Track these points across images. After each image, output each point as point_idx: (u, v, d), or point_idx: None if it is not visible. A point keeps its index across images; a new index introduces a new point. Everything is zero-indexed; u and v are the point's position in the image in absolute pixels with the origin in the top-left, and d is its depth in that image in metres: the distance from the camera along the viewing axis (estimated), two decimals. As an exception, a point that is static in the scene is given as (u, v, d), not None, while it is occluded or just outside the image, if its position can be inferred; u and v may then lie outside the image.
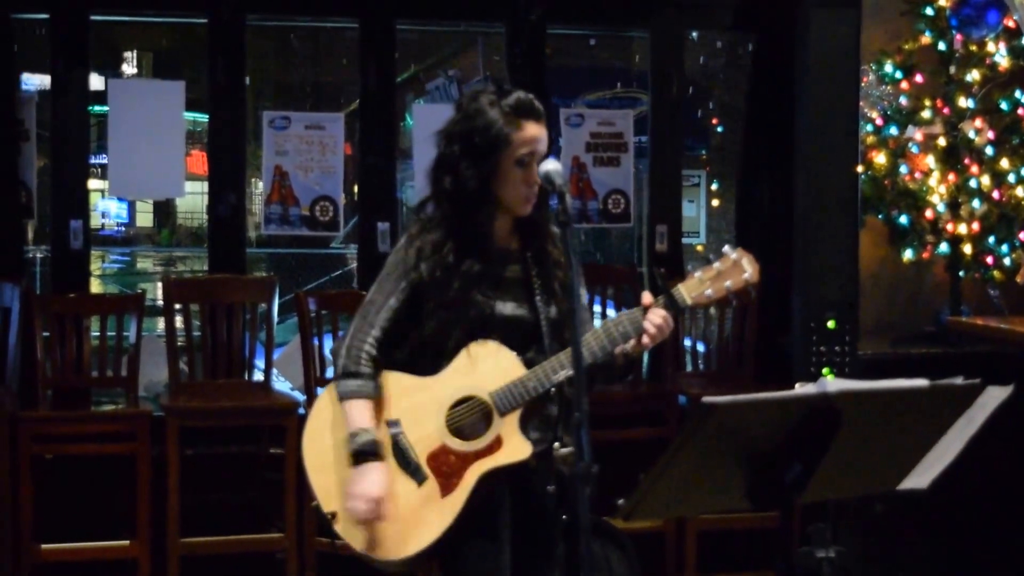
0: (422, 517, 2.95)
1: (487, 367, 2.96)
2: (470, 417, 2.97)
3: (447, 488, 2.94)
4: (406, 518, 2.95)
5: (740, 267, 2.98)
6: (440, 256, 3.01)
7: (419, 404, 3.00)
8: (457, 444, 2.95)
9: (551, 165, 2.84)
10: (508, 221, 3.07)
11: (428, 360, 3.03)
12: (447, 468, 2.95)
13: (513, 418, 2.94)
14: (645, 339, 2.94)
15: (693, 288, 2.97)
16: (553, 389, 2.95)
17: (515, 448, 2.93)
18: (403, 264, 3.06)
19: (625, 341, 2.96)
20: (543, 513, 2.88)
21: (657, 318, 2.93)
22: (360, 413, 3.00)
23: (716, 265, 2.97)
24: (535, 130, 2.97)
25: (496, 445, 2.94)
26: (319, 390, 5.16)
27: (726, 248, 3.01)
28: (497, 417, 2.94)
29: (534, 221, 3.07)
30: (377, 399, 3.02)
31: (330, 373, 5.32)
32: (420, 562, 3.00)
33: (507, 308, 3.02)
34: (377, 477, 2.93)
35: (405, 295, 3.05)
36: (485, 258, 3.03)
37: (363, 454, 2.95)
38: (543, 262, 3.06)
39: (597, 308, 5.34)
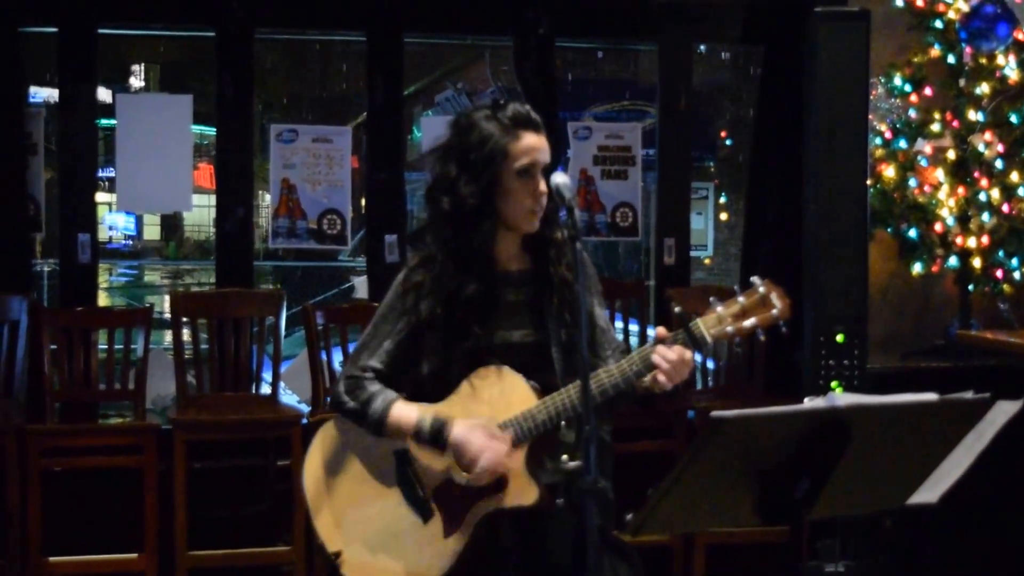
0: (423, 557, 2.86)
1: (494, 394, 2.84)
2: None
3: (450, 528, 2.84)
4: (408, 556, 2.87)
5: (768, 302, 2.80)
6: (440, 291, 2.88)
7: None
8: (463, 479, 2.84)
9: (560, 178, 2.73)
10: (515, 241, 2.95)
11: (430, 396, 2.91)
12: (452, 504, 2.85)
13: (520, 455, 2.80)
14: (661, 377, 2.76)
15: (713, 324, 2.79)
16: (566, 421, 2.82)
17: (520, 491, 2.80)
18: (401, 304, 2.94)
19: (639, 379, 2.80)
20: (553, 539, 2.84)
21: (671, 354, 2.75)
22: (406, 411, 2.87)
23: (740, 300, 2.80)
24: (534, 140, 2.86)
25: (501, 484, 2.82)
26: (327, 402, 5.16)
27: (754, 279, 2.83)
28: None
29: (545, 239, 2.93)
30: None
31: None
32: None
33: (512, 336, 2.90)
34: (464, 432, 2.80)
35: (403, 336, 2.93)
36: (487, 284, 2.89)
37: (438, 434, 2.82)
38: (555, 283, 2.91)
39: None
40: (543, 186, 2.84)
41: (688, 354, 2.77)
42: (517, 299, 2.94)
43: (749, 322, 2.78)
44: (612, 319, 5.35)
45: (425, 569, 2.86)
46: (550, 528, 2.85)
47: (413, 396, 2.93)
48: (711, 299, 2.79)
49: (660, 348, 2.77)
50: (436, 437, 2.82)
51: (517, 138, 2.85)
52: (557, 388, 2.84)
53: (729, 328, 2.78)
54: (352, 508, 2.96)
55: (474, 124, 2.88)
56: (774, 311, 2.80)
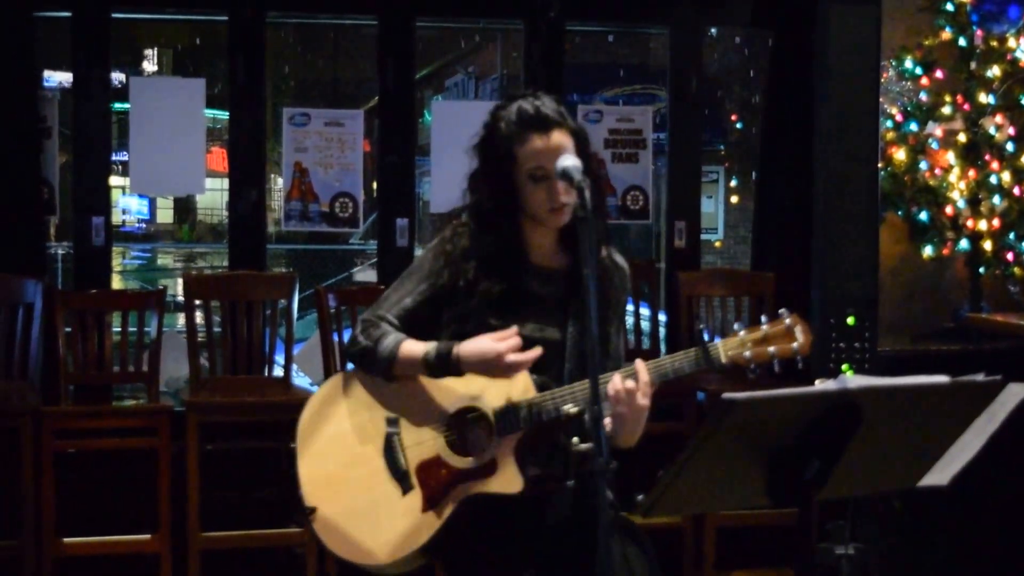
0: (398, 528, 2.83)
1: (496, 381, 2.82)
2: (473, 429, 2.86)
3: (430, 503, 2.82)
4: (382, 525, 2.85)
5: (791, 335, 2.77)
6: (465, 266, 2.89)
7: (422, 406, 2.89)
8: (451, 458, 2.84)
9: (569, 161, 2.70)
10: (549, 235, 2.93)
11: None
12: (435, 481, 2.83)
13: (511, 443, 2.79)
14: (619, 408, 2.72)
15: (733, 347, 2.75)
16: (564, 419, 2.78)
17: (506, 479, 2.78)
18: (428, 266, 2.95)
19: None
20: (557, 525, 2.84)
21: (617, 383, 2.71)
22: (417, 346, 2.85)
23: (764, 328, 2.76)
24: (540, 142, 2.81)
25: (490, 469, 2.80)
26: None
27: (782, 311, 2.79)
28: (496, 437, 2.80)
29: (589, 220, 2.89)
30: (382, 387, 2.92)
31: (350, 368, 5.34)
32: (394, 569, 2.88)
33: (526, 329, 2.84)
34: (473, 344, 2.78)
35: (423, 298, 2.94)
36: (515, 275, 2.89)
37: (447, 356, 2.81)
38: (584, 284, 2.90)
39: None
40: (556, 191, 2.80)
41: (640, 400, 2.72)
42: (544, 294, 2.92)
43: (769, 350, 2.75)
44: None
45: (398, 540, 2.83)
46: (558, 512, 2.85)
47: None
48: (735, 325, 2.78)
49: (615, 379, 2.73)
50: (445, 360, 2.81)
51: (524, 141, 2.83)
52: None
53: (747, 353, 2.75)
54: (337, 466, 2.94)
55: (494, 121, 2.89)
56: (795, 344, 2.76)
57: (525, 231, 2.92)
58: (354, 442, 2.95)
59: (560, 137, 2.84)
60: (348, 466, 2.94)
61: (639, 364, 2.74)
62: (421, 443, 2.87)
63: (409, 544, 2.83)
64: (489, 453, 2.80)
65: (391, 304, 2.96)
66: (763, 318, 2.79)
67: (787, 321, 2.78)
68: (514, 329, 2.79)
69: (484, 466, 2.80)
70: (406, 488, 2.86)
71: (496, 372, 2.78)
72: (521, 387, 2.81)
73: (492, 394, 2.82)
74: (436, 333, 2.93)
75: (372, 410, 2.95)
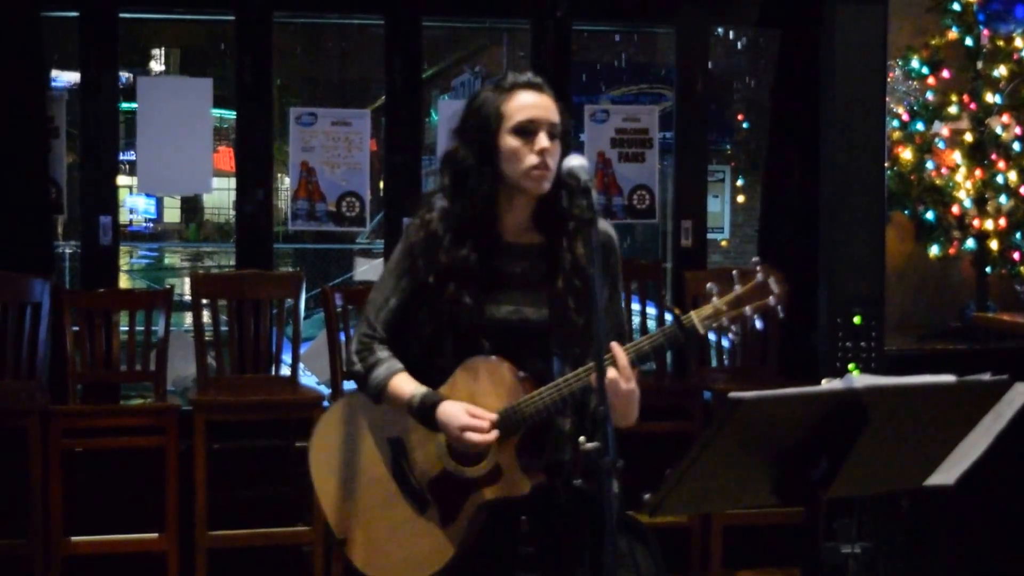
0: (423, 547, 2.84)
1: (484, 386, 2.78)
2: None
3: (447, 518, 2.83)
4: (407, 546, 2.86)
5: (765, 289, 2.66)
6: (437, 251, 2.82)
7: None
8: (457, 469, 2.81)
9: (575, 160, 2.67)
10: (524, 211, 2.84)
11: (435, 367, 2.86)
12: (448, 495, 2.83)
13: (510, 446, 2.76)
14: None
15: (707, 315, 2.67)
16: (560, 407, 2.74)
17: (512, 482, 2.77)
18: (405, 259, 2.89)
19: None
20: (566, 520, 2.83)
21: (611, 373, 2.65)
22: (404, 386, 2.83)
23: (737, 289, 2.67)
24: (530, 97, 2.77)
25: (495, 475, 2.78)
26: (346, 384, 5.19)
27: (754, 261, 2.69)
28: (495, 444, 2.76)
29: (558, 213, 2.82)
30: (384, 407, 2.91)
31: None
32: None
33: (501, 311, 2.81)
34: (452, 409, 2.75)
35: (406, 293, 2.88)
36: (487, 253, 2.82)
37: (426, 409, 2.78)
38: (566, 261, 2.81)
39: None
40: (545, 142, 2.75)
41: (624, 386, 2.66)
42: (521, 272, 2.84)
43: (745, 311, 2.66)
44: (628, 301, 5.35)
45: (425, 559, 2.84)
46: (565, 512, 2.84)
47: (422, 362, 2.88)
48: (708, 285, 2.69)
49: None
50: (425, 414, 2.79)
51: (511, 98, 2.78)
52: (547, 373, 2.79)
53: (724, 319, 2.66)
54: (357, 492, 2.95)
55: (475, 96, 2.87)
56: (770, 299, 2.66)
57: (499, 204, 2.83)
58: (367, 466, 2.95)
59: (548, 98, 2.81)
60: (366, 492, 2.95)
61: (616, 348, 2.67)
62: (428, 459, 2.86)
63: (435, 562, 2.84)
64: (492, 459, 2.78)
65: (378, 308, 2.92)
66: (734, 274, 2.68)
67: (759, 276, 2.66)
68: (491, 416, 2.75)
69: (490, 473, 2.79)
70: (423, 506, 2.86)
71: (456, 441, 2.77)
72: (506, 386, 2.77)
73: (486, 401, 2.77)
74: (421, 325, 2.88)
75: (378, 431, 2.95)
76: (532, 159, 2.74)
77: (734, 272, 2.67)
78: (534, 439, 2.80)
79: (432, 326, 2.85)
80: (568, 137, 2.84)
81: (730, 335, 2.70)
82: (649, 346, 2.72)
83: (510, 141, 2.76)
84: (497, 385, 2.77)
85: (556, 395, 2.72)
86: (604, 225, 2.86)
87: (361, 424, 2.98)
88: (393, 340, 2.91)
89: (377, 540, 2.93)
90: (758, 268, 2.68)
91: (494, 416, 2.74)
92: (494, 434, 2.74)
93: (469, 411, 2.75)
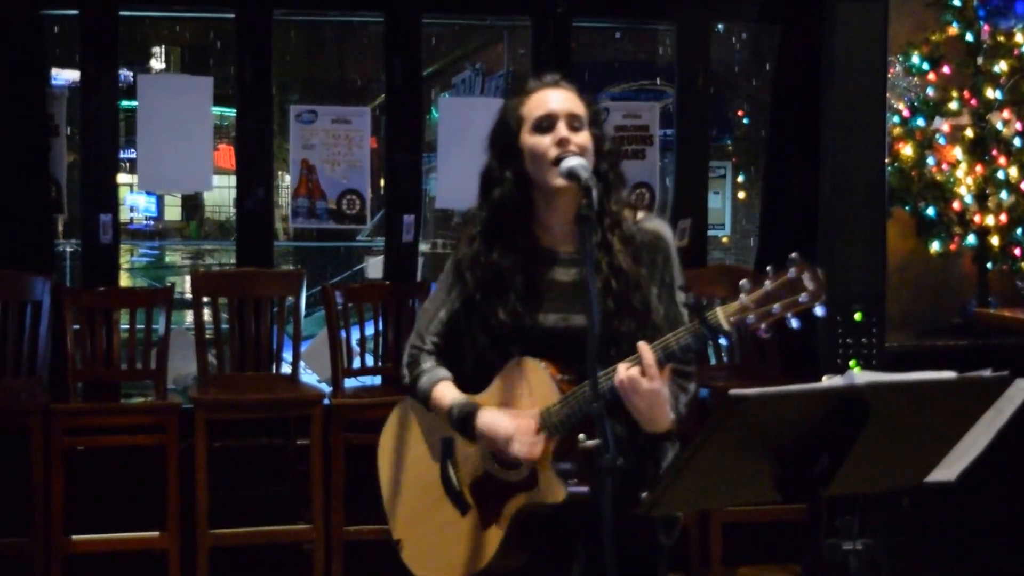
0: (463, 550, 2.84)
1: (523, 390, 2.76)
2: None
3: (487, 521, 2.82)
4: (450, 549, 2.87)
5: (799, 286, 2.49)
6: (480, 264, 2.83)
7: None
8: (499, 472, 2.80)
9: (573, 160, 2.67)
10: (561, 218, 2.81)
11: (489, 380, 2.85)
12: (488, 498, 2.82)
13: (547, 451, 2.71)
14: (628, 396, 2.62)
15: (733, 312, 2.54)
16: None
17: (548, 488, 2.71)
18: (452, 272, 2.92)
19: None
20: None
21: (621, 372, 2.61)
22: (445, 395, 2.86)
23: (767, 286, 2.51)
24: (547, 95, 2.80)
25: (532, 480, 2.74)
26: (346, 382, 5.20)
27: (793, 255, 2.51)
28: None
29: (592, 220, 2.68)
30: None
31: (356, 364, 5.35)
32: None
33: (549, 320, 2.81)
34: (491, 418, 2.75)
35: (457, 305, 2.90)
36: (530, 261, 2.82)
37: (465, 420, 2.78)
38: (601, 263, 2.76)
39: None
40: (564, 131, 2.74)
41: (646, 385, 2.60)
42: (565, 280, 2.84)
43: (774, 308, 2.51)
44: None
45: (467, 562, 2.84)
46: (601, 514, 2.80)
47: (474, 373, 2.88)
48: (742, 282, 2.56)
49: (619, 369, 2.62)
50: (464, 424, 2.80)
51: (529, 100, 2.81)
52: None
53: (751, 317, 2.53)
54: (411, 494, 2.98)
55: (500, 108, 2.89)
56: (803, 296, 2.48)
57: (538, 211, 2.83)
58: (422, 470, 2.98)
59: (567, 91, 2.83)
60: (419, 494, 2.97)
61: (642, 346, 2.62)
62: (471, 462, 2.86)
63: (475, 565, 2.83)
64: (528, 464, 2.74)
65: (429, 319, 2.95)
66: (768, 270, 2.53)
67: (791, 273, 2.49)
68: (534, 420, 2.73)
69: (527, 478, 2.76)
70: (464, 508, 2.87)
71: (504, 449, 2.74)
72: (543, 391, 2.74)
73: (523, 404, 2.76)
74: (473, 336, 2.88)
75: (431, 434, 2.97)
76: (553, 152, 2.73)
77: (768, 268, 2.55)
78: (573, 445, 2.69)
79: (483, 339, 2.85)
80: (599, 126, 2.84)
81: (761, 332, 2.55)
82: (677, 346, 2.62)
83: (530, 140, 2.77)
84: (534, 386, 2.76)
85: (582, 397, 2.67)
86: (654, 224, 2.87)
87: (416, 426, 3.02)
88: (445, 352, 2.94)
89: (424, 543, 2.95)
90: (793, 264, 2.52)
91: (536, 422, 2.71)
92: (540, 446, 2.71)
93: (510, 414, 2.75)
